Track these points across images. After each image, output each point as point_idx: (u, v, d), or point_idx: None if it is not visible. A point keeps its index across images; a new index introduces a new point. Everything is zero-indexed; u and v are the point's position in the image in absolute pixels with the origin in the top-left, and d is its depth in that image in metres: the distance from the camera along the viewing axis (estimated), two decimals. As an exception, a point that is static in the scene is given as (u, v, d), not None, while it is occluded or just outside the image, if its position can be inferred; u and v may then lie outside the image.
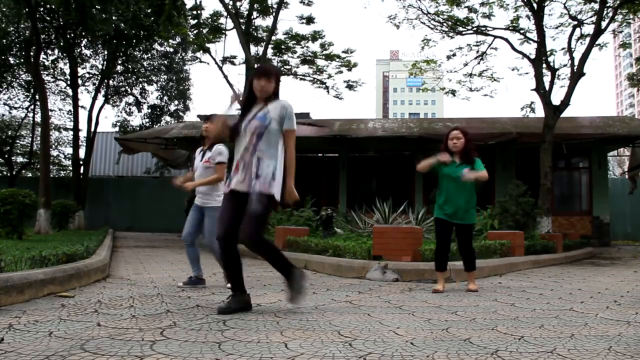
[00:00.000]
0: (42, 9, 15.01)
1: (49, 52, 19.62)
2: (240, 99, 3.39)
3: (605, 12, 11.66)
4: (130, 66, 21.38)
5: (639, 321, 3.16)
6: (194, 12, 14.21)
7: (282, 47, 15.82)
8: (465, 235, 4.75)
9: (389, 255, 5.75)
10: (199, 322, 2.89)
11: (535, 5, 12.18)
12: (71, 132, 20.97)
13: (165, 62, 23.02)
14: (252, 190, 3.15)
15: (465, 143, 4.66)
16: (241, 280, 3.30)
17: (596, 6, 11.98)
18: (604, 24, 11.72)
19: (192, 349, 2.26)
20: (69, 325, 2.74)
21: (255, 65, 2.96)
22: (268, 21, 15.22)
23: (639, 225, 18.66)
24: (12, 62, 20.00)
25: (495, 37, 13.68)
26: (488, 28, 13.61)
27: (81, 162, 18.67)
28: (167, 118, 24.42)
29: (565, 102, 11.49)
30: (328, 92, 17.46)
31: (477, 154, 4.77)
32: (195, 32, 14.33)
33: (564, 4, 12.79)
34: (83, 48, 20.36)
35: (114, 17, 15.27)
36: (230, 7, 13.52)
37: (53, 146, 23.50)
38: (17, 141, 23.82)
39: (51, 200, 13.04)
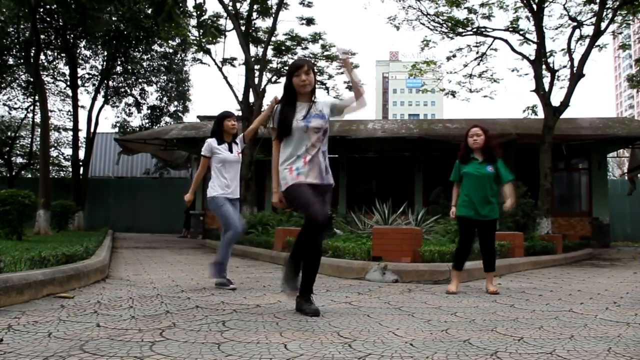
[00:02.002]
0: (41, 10, 14.99)
1: (49, 52, 19.61)
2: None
3: (604, 13, 11.67)
4: (129, 67, 21.35)
5: (639, 322, 3.17)
6: (196, 12, 14.17)
7: (282, 48, 15.79)
8: (488, 232, 4.71)
9: (388, 256, 5.75)
10: (199, 323, 2.89)
11: (534, 6, 12.19)
12: (71, 133, 20.95)
13: (165, 63, 23.01)
14: (327, 182, 3.50)
15: (485, 140, 4.67)
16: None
17: (596, 7, 11.99)
18: (603, 25, 11.74)
19: (192, 350, 2.26)
20: (69, 326, 2.74)
21: (296, 62, 2.89)
22: (268, 22, 15.20)
23: (638, 226, 18.66)
24: (11, 62, 19.99)
25: (495, 38, 13.69)
26: (488, 29, 13.62)
27: (81, 163, 18.66)
28: (167, 119, 24.41)
29: (565, 103, 11.50)
30: (328, 92, 17.42)
31: (501, 152, 4.78)
32: (202, 31, 14.24)
33: (564, 5, 12.82)
34: (82, 49, 20.36)
35: (114, 18, 15.24)
36: (230, 8, 13.51)
37: (53, 147, 23.48)
38: (17, 142, 23.81)
39: (51, 200, 13.03)
